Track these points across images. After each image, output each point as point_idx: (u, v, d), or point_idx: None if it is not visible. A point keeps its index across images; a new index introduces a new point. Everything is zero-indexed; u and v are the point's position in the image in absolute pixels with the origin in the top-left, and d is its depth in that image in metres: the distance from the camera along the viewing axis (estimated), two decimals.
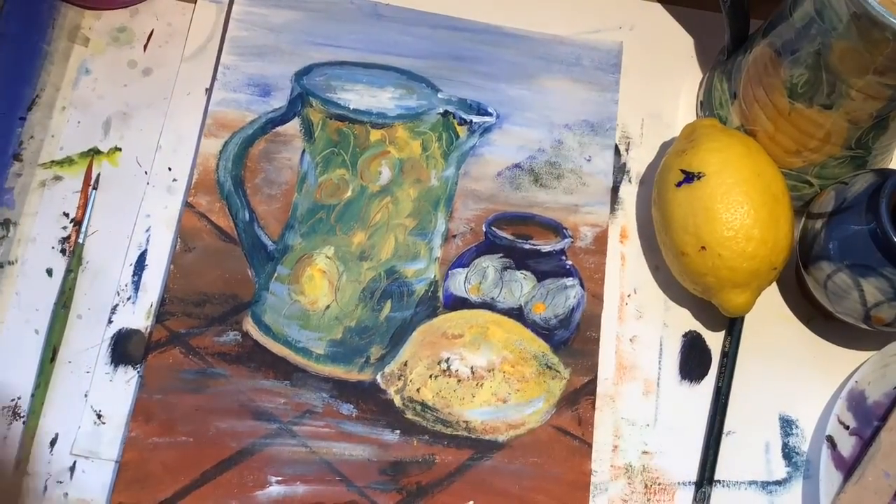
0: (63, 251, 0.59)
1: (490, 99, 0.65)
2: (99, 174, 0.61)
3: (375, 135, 0.63)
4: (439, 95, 0.64)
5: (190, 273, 0.59)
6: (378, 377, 0.58)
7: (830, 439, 0.57)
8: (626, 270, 0.63)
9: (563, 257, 0.62)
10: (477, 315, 0.60)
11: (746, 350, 0.61)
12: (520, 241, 0.62)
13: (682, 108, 0.67)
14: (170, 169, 0.62)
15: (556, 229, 0.62)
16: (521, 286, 0.61)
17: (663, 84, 0.68)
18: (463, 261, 0.61)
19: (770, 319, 0.62)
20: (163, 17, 0.66)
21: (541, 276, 0.61)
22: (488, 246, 0.62)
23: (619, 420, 0.59)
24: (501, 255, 0.61)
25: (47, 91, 0.63)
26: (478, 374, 0.58)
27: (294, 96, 0.63)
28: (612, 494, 0.57)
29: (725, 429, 0.59)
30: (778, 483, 0.58)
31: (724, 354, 0.60)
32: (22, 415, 0.55)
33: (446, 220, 0.62)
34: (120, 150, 0.62)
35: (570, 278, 0.61)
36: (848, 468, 0.57)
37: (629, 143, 0.66)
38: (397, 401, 0.57)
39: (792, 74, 0.57)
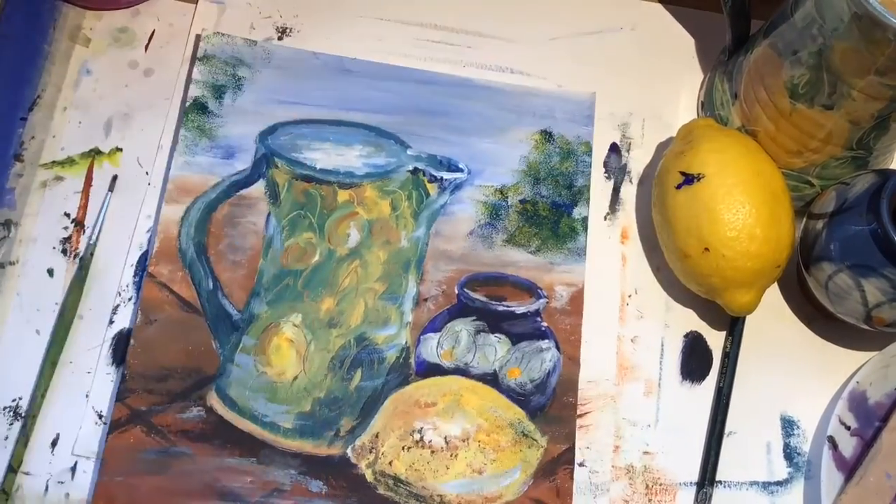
0: (64, 251, 0.59)
1: (461, 154, 0.63)
2: (116, 176, 0.61)
3: (343, 195, 0.60)
4: (408, 152, 0.62)
5: (152, 347, 0.56)
6: (349, 450, 0.56)
7: (832, 440, 0.57)
8: (626, 271, 0.63)
9: (539, 318, 0.60)
10: (450, 382, 0.58)
11: (747, 350, 0.61)
12: (493, 302, 0.60)
13: (683, 109, 0.67)
14: None
15: (531, 289, 0.60)
16: (496, 350, 0.59)
17: (664, 84, 0.68)
18: (435, 325, 0.59)
19: (771, 320, 0.62)
20: (164, 17, 0.66)
21: (515, 339, 0.59)
22: (461, 309, 0.60)
23: (620, 420, 0.59)
24: (475, 317, 0.59)
25: (48, 91, 0.63)
26: (452, 444, 0.56)
27: (258, 157, 0.61)
28: (614, 495, 0.57)
29: (727, 429, 0.59)
30: (779, 484, 0.58)
31: (725, 355, 0.60)
32: (23, 415, 0.55)
33: (417, 283, 0.60)
34: (121, 150, 0.62)
35: (546, 341, 0.59)
36: (849, 469, 0.57)
37: (630, 143, 0.66)
38: (369, 475, 0.55)
39: (793, 75, 0.57)
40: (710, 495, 0.57)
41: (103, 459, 0.54)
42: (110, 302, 0.58)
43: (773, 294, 0.63)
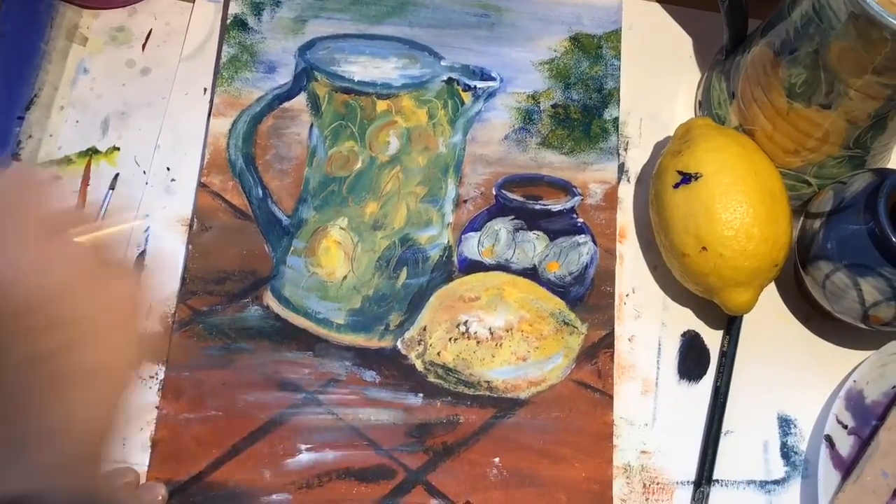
0: None
1: (493, 63, 0.65)
2: (118, 174, 0.61)
3: (382, 105, 0.63)
4: (442, 63, 0.65)
5: (208, 252, 0.60)
6: (398, 343, 0.59)
7: (829, 439, 0.57)
8: (624, 270, 0.63)
9: (574, 215, 0.62)
10: (492, 277, 0.61)
11: (745, 350, 0.61)
12: (530, 201, 0.62)
13: (681, 108, 0.67)
14: (168, 169, 0.62)
15: (566, 188, 0.63)
16: (534, 246, 0.61)
17: (662, 84, 0.68)
18: (475, 225, 0.62)
19: (768, 319, 0.62)
20: (161, 16, 0.66)
21: (553, 235, 0.62)
22: (499, 209, 0.62)
23: (617, 419, 0.59)
24: (513, 216, 0.62)
25: (45, 90, 0.63)
26: (496, 335, 0.59)
27: (299, 71, 0.64)
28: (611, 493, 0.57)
29: (724, 428, 0.59)
30: (776, 482, 0.58)
31: (722, 354, 0.60)
32: None
33: (456, 186, 0.63)
34: (118, 149, 0.62)
35: (583, 235, 0.62)
36: (846, 468, 0.57)
37: (628, 142, 0.66)
38: (419, 365, 0.58)
39: (790, 74, 0.57)
40: (708, 494, 0.57)
41: (169, 357, 0.57)
42: None
43: (771, 293, 0.63)
